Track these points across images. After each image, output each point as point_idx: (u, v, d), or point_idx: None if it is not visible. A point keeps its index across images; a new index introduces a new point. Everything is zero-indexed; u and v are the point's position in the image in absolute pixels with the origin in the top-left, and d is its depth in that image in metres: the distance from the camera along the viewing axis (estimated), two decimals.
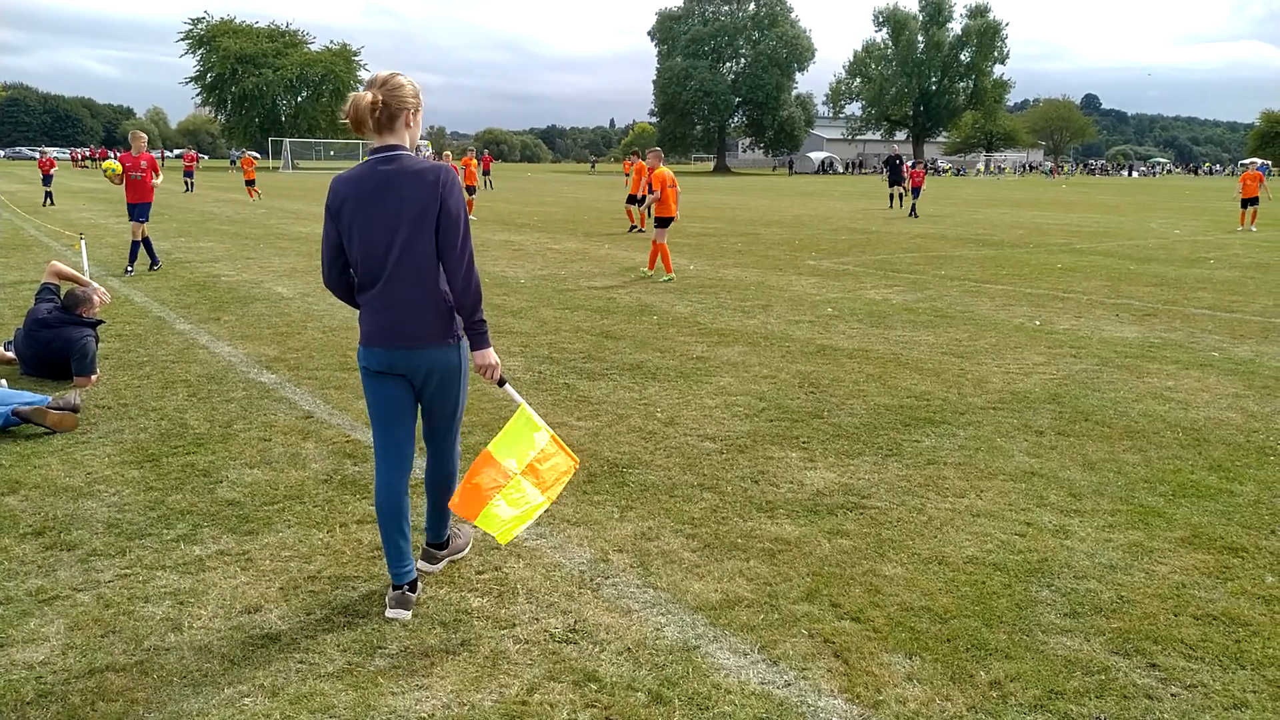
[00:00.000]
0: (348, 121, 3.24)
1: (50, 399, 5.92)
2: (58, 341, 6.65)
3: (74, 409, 5.91)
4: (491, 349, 3.33)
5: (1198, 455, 5.30)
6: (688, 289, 11.75)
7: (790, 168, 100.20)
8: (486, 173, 40.86)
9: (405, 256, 3.17)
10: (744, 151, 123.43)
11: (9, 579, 3.68)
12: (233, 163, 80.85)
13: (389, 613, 3.40)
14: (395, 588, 3.44)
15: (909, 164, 25.30)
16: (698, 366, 7.43)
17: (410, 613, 3.40)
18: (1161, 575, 3.78)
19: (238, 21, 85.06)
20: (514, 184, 48.44)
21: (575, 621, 3.39)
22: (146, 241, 12.53)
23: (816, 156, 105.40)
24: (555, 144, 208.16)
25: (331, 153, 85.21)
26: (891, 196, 31.03)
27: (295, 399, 6.36)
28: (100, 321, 7.13)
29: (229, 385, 6.69)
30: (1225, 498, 4.65)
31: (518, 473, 3.26)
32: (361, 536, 4.13)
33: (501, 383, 3.42)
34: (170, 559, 3.87)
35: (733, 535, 4.17)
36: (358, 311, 3.37)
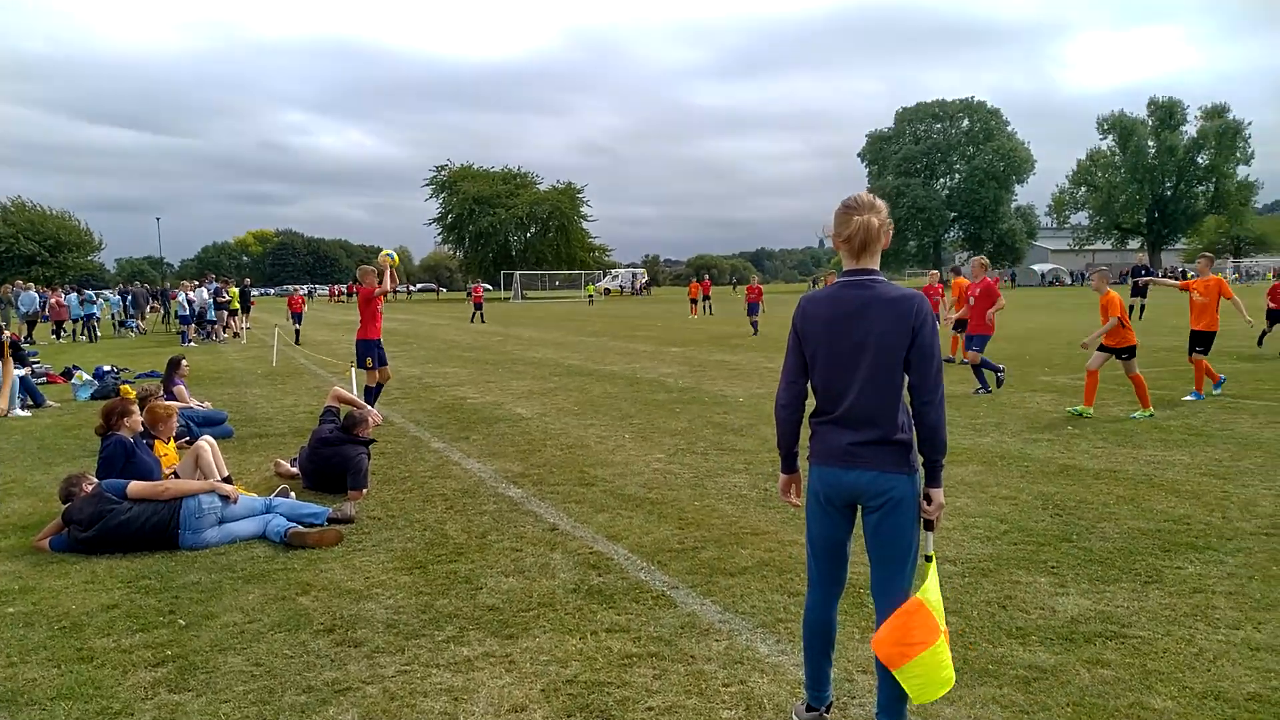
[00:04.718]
0: (843, 244, 3.26)
1: (330, 510, 6.62)
2: (337, 458, 7.45)
3: (349, 520, 6.58)
4: (943, 490, 3.26)
5: None
6: None
7: (1013, 280, 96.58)
8: (707, 297, 42.47)
9: (869, 386, 3.17)
10: (962, 265, 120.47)
11: (309, 670, 4.13)
12: (468, 295, 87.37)
13: None
14: (810, 709, 3.49)
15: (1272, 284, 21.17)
16: None
17: None
18: None
19: (475, 167, 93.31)
20: (727, 305, 49.46)
21: None
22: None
23: (1040, 268, 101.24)
24: (764, 265, 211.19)
25: (556, 283, 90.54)
26: (1131, 308, 29.44)
27: (540, 512, 6.77)
28: (373, 441, 7.93)
29: (481, 499, 7.21)
30: None
31: (943, 630, 3.11)
32: (611, 645, 4.33)
33: (930, 527, 3.30)
34: (443, 658, 4.22)
35: (982, 661, 4.06)
36: (786, 433, 3.44)
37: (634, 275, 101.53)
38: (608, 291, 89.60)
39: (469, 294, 61.93)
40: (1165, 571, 5.15)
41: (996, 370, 12.89)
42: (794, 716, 3.54)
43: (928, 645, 3.05)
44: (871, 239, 3.23)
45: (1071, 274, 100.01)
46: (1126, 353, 10.60)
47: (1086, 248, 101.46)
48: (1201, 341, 11.63)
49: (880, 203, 3.28)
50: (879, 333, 3.16)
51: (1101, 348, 10.73)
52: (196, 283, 34.17)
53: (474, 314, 39.96)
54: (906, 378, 3.22)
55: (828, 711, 3.48)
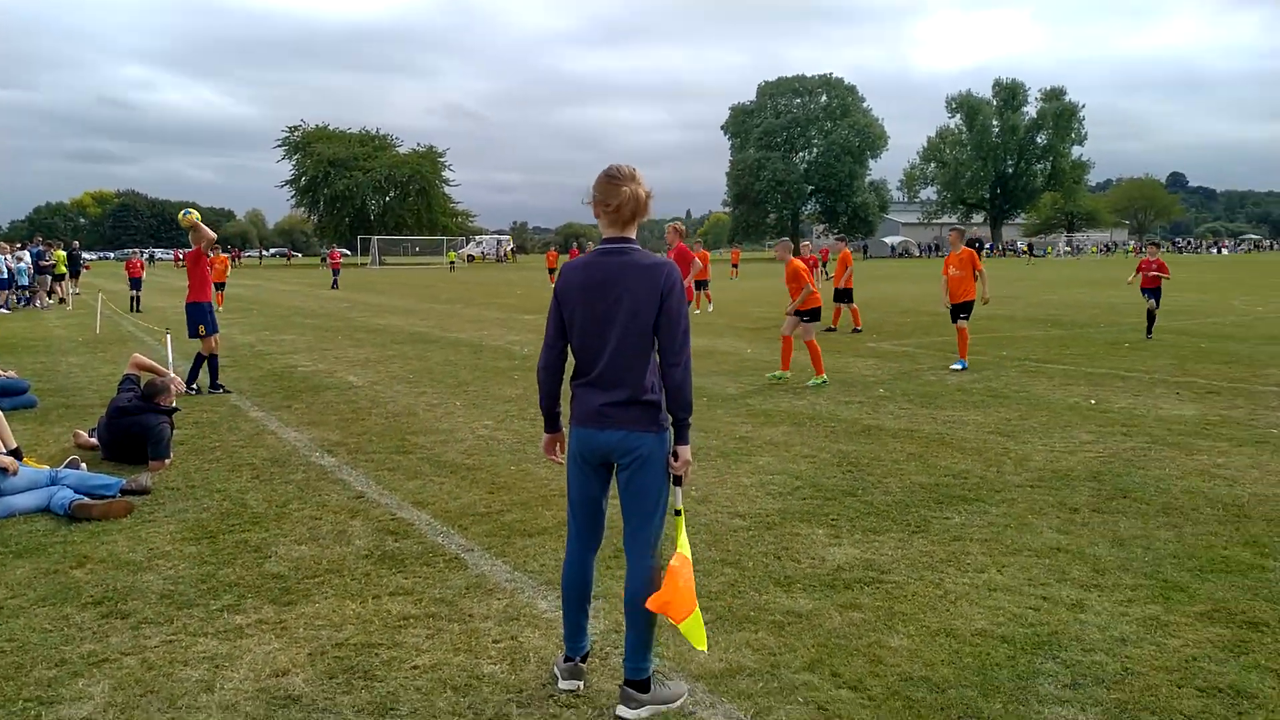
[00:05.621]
0: (611, 213, 3.32)
1: (125, 481, 6.35)
2: (135, 428, 7.14)
3: (145, 490, 6.33)
4: (689, 447, 3.40)
5: (1235, 531, 5.21)
6: (742, 371, 11.91)
7: (864, 252, 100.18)
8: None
9: (621, 349, 3.29)
10: (818, 238, 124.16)
11: (66, 643, 3.99)
12: (323, 260, 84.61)
13: (562, 683, 3.53)
14: (568, 659, 3.57)
15: (1147, 253, 17.79)
16: (739, 446, 7.56)
17: (583, 683, 3.55)
18: (1173, 649, 3.75)
19: (331, 128, 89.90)
20: None
21: (581, 686, 3.53)
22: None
23: (891, 240, 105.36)
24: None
25: (417, 249, 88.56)
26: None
27: (350, 480, 6.69)
28: (176, 409, 7.62)
29: (290, 468, 7.06)
30: (1256, 573, 4.57)
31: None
32: (391, 608, 4.35)
33: (679, 482, 3.44)
34: (213, 627, 4.14)
35: (746, 609, 4.27)
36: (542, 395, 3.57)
37: (499, 242, 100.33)
38: (471, 258, 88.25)
39: (324, 260, 60.13)
40: (933, 522, 5.52)
41: None
42: (554, 667, 3.65)
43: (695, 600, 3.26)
44: (640, 210, 3.34)
45: (920, 246, 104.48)
46: (809, 315, 11.01)
47: (935, 221, 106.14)
48: (963, 310, 12.16)
49: (640, 174, 3.39)
50: (631, 298, 3.27)
51: (796, 313, 11.07)
52: (20, 245, 31.87)
53: (334, 281, 38.99)
54: (656, 341, 3.34)
55: (583, 661, 3.60)
